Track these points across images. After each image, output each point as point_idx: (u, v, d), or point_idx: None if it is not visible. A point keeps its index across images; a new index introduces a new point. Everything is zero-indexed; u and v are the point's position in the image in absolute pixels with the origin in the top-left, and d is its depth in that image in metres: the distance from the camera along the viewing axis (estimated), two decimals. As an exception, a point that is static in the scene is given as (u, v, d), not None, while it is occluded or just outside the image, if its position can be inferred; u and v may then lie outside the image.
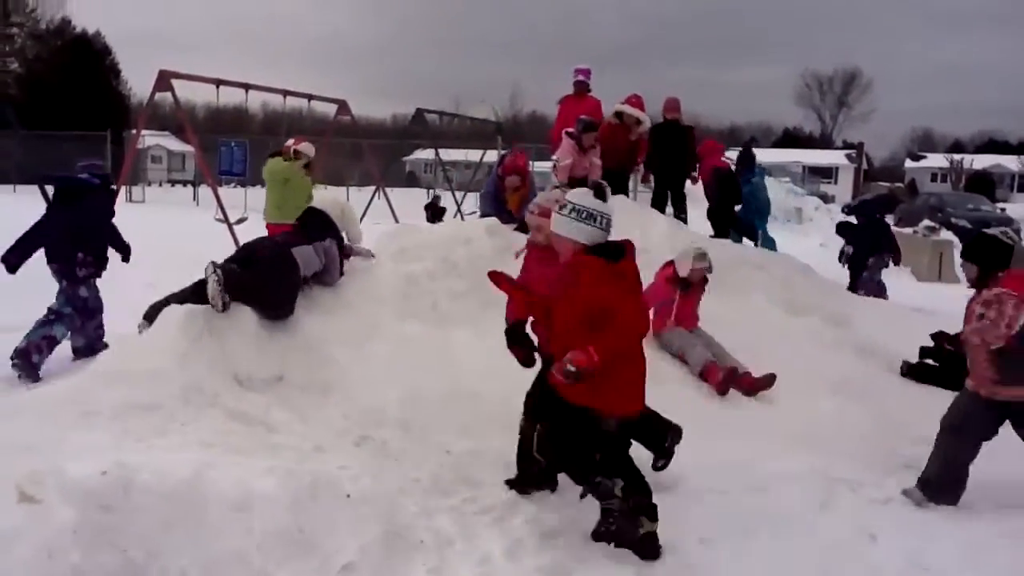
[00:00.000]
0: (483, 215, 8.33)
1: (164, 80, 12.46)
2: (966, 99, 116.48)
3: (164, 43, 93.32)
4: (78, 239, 6.24)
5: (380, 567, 3.45)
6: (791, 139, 75.97)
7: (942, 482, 4.76)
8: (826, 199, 35.87)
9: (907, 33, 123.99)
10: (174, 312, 4.68)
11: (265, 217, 8.75)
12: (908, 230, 17.90)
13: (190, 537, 3.15)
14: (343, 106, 16.42)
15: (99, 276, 6.49)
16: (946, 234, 16.50)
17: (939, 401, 6.83)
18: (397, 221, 15.83)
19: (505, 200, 7.77)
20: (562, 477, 4.14)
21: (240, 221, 13.06)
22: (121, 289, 6.95)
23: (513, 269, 6.84)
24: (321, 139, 17.96)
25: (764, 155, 58.34)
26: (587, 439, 3.70)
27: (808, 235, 21.75)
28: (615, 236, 3.76)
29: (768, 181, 26.08)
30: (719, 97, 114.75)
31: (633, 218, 8.59)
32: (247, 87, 14.21)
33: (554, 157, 9.14)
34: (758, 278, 9.11)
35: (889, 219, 14.42)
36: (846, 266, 12.03)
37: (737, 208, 11.27)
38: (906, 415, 6.58)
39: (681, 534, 4.02)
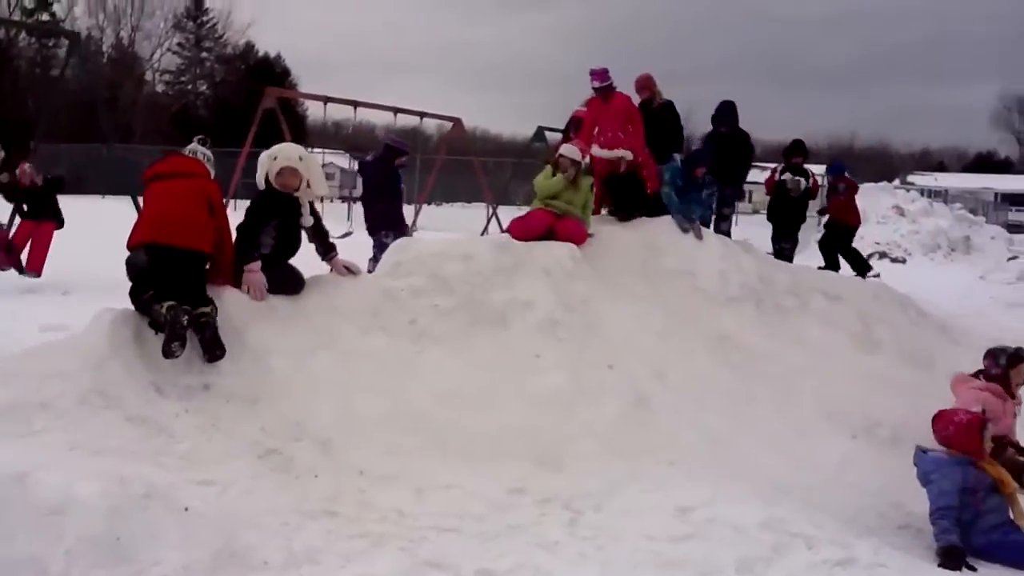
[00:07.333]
0: None
1: (269, 97, 13.02)
2: None
3: (339, 64, 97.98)
4: None
5: (200, 585, 3.34)
6: (984, 164, 70.61)
7: None
8: (1019, 229, 32.74)
9: None
10: (105, 314, 4.73)
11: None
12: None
13: (-10, 535, 3.16)
14: (457, 123, 16.60)
15: None
16: None
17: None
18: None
19: None
20: None
21: (345, 236, 13.39)
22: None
23: (516, 289, 6.60)
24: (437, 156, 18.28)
25: (952, 180, 53.90)
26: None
27: (974, 265, 19.77)
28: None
29: (937, 206, 24.22)
30: (913, 120, 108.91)
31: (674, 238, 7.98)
32: (355, 104, 14.61)
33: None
34: (826, 308, 8.35)
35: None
36: None
37: None
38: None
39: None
